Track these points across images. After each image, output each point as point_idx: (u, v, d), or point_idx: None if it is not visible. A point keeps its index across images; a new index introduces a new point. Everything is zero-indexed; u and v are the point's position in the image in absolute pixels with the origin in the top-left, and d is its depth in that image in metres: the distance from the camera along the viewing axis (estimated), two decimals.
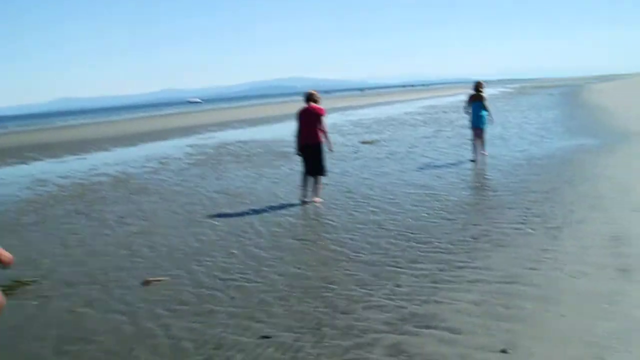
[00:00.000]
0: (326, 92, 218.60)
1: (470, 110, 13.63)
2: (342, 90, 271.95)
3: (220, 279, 5.73)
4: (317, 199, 9.41)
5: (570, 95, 51.13)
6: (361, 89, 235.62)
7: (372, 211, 8.39)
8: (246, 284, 5.55)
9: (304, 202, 9.32)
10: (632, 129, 17.78)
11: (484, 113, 13.37)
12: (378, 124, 27.20)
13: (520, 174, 10.84)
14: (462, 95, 65.15)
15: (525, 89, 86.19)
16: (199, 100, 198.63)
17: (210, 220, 8.55)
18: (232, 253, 6.66)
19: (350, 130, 24.36)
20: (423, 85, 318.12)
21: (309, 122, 9.34)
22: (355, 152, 16.23)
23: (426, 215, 7.93)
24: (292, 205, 9.29)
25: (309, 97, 9.51)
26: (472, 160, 13.08)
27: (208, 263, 6.33)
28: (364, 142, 18.82)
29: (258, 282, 5.56)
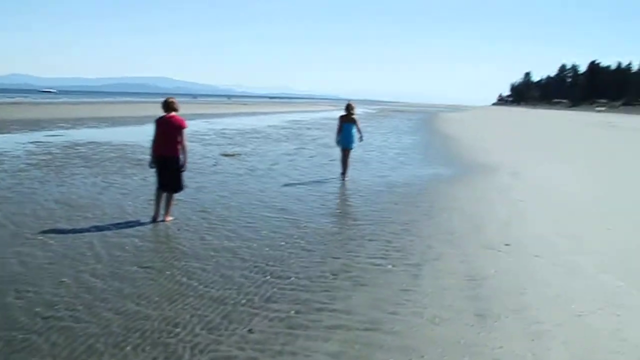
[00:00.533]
0: (193, 96, 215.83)
1: (341, 131, 13.61)
2: (209, 96, 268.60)
3: (42, 318, 4.82)
4: (168, 218, 8.64)
5: (426, 122, 54.21)
6: (228, 97, 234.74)
7: (227, 236, 7.80)
8: (74, 324, 4.71)
9: (154, 220, 8.52)
10: (478, 160, 18.86)
11: (354, 134, 13.58)
12: (241, 136, 26.66)
13: (380, 201, 10.85)
14: (326, 113, 66.73)
15: (386, 111, 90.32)
16: (54, 91, 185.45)
17: (42, 237, 7.45)
18: (63, 282, 5.73)
19: (212, 140, 23.58)
20: (289, 98, 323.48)
21: (168, 133, 8.49)
22: (214, 165, 15.56)
23: (284, 244, 7.49)
24: (140, 223, 8.43)
25: (169, 106, 8.64)
26: (341, 176, 13.69)
27: (30, 295, 5.35)
28: (225, 155, 18.18)
29: (89, 322, 4.75)
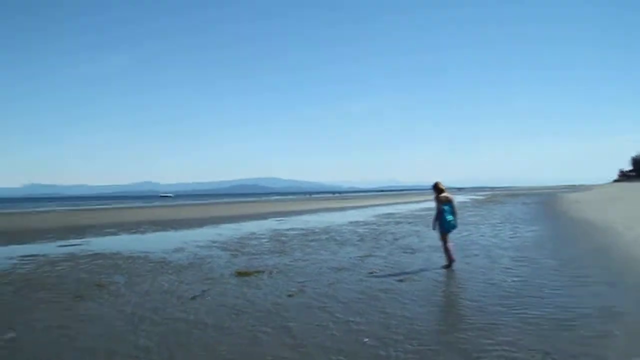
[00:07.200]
0: (308, 193, 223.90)
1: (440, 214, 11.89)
2: (319, 192, 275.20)
3: None
4: None
5: (547, 205, 45.17)
6: (339, 192, 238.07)
7: None
8: None
9: None
10: None
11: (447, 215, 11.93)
12: (301, 238, 20.00)
13: None
14: (427, 203, 59.25)
15: (497, 196, 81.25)
16: (171, 195, 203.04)
17: None
18: None
19: (254, 247, 17.14)
20: (396, 190, 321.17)
21: None
22: (192, 298, 9.05)
23: None
24: None
25: None
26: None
27: None
28: (239, 274, 11.64)
29: None
